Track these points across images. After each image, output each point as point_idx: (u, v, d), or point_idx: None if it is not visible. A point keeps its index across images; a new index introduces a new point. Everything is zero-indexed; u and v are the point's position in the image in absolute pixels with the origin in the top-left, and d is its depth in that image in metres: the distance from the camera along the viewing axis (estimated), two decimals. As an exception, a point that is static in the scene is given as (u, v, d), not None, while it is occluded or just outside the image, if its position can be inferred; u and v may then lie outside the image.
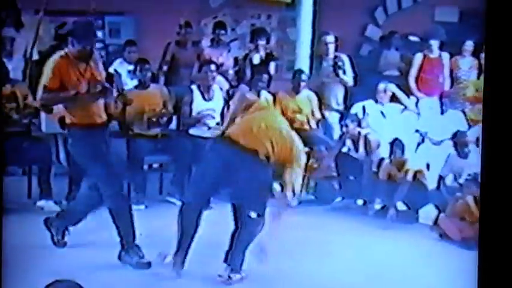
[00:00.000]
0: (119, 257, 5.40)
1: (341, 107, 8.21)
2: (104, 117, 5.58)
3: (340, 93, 8.22)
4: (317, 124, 7.92)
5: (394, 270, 5.42)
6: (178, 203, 6.65)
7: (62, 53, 5.39)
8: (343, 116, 7.91)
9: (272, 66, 8.07)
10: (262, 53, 8.12)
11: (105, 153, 5.44)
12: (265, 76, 7.71)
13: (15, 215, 6.25)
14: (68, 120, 5.36)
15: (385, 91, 7.82)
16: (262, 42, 8.14)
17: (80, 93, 5.27)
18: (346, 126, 7.48)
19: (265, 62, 8.08)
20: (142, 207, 6.87)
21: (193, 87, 7.43)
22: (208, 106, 7.35)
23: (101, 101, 5.53)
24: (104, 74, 5.54)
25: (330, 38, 8.12)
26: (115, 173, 5.41)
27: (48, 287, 2.95)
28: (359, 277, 5.29)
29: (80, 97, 5.28)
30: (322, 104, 8.03)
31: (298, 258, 5.63)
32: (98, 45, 8.68)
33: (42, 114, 6.90)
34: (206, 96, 7.39)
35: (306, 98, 7.88)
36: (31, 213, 6.54)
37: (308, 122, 7.83)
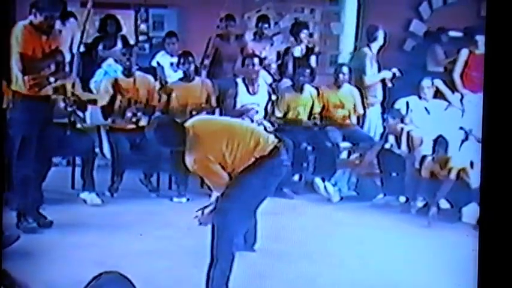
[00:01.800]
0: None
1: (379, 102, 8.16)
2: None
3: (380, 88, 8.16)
4: (359, 119, 7.88)
5: (435, 268, 5.36)
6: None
7: (24, 22, 5.59)
8: (385, 111, 7.85)
9: (313, 59, 8.03)
10: (303, 46, 8.08)
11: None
12: (307, 70, 7.68)
13: (58, 205, 6.36)
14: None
15: (429, 87, 7.73)
16: (303, 36, 8.10)
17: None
18: (388, 122, 7.42)
19: (306, 56, 8.05)
20: (184, 200, 6.89)
21: (239, 80, 7.42)
22: (253, 100, 7.34)
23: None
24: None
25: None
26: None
27: (95, 278, 2.96)
28: (399, 274, 5.24)
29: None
30: (365, 99, 7.97)
31: (338, 254, 5.60)
32: (142, 37, 8.80)
33: (89, 107, 6.96)
34: (251, 90, 7.38)
35: (349, 92, 7.83)
36: (73, 204, 6.60)
37: (350, 117, 7.79)
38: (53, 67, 5.82)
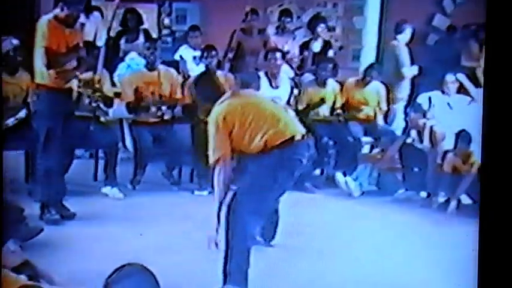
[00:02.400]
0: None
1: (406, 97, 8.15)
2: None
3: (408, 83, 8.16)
4: (383, 115, 7.88)
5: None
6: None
7: (48, 16, 5.60)
8: (408, 106, 7.83)
9: (330, 53, 8.02)
10: (320, 40, 8.08)
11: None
12: (330, 65, 7.67)
13: (81, 197, 6.41)
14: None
15: (453, 82, 7.69)
16: (320, 30, 8.10)
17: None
18: (410, 116, 7.40)
19: (324, 50, 8.05)
20: (205, 193, 6.91)
21: (261, 74, 7.44)
22: (275, 94, 7.32)
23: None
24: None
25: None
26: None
27: (117, 270, 2.98)
28: (418, 270, 5.23)
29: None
30: (390, 94, 7.97)
31: (359, 248, 5.59)
32: (165, 31, 8.84)
33: (115, 101, 7.00)
34: (273, 84, 7.39)
35: (374, 90, 7.82)
36: (96, 196, 6.66)
37: (374, 114, 7.79)
38: (74, 62, 5.86)
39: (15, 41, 6.62)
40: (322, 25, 8.20)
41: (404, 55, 8.02)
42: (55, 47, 5.60)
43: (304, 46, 8.21)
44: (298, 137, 4.57)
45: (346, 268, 5.18)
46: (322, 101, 7.52)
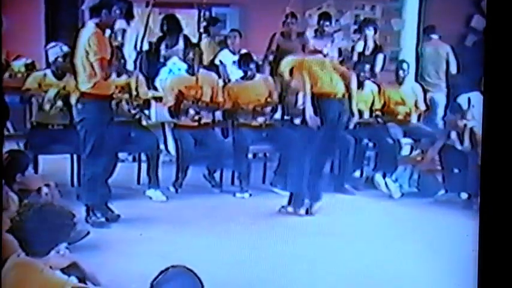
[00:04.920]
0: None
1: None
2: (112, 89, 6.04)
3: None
4: (421, 116, 7.87)
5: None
6: (282, 193, 6.79)
7: (93, 25, 5.70)
8: (447, 107, 7.81)
9: (380, 58, 8.03)
10: (371, 43, 8.09)
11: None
12: (368, 66, 7.69)
13: (125, 200, 6.53)
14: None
15: (491, 83, 7.64)
16: (369, 32, 8.11)
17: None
18: (449, 117, 7.38)
19: (372, 53, 8.06)
20: (246, 195, 6.99)
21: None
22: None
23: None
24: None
25: None
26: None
27: (162, 272, 3.04)
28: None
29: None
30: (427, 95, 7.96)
31: (399, 249, 5.60)
32: (204, 36, 8.93)
33: (153, 103, 7.11)
34: (313, 87, 7.44)
35: (411, 89, 7.83)
36: (139, 199, 6.77)
37: (411, 113, 7.79)
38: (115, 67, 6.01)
39: (65, 48, 6.79)
40: (371, 28, 8.19)
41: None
42: (106, 57, 5.73)
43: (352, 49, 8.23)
44: None
45: (386, 269, 5.21)
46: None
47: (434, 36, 8.69)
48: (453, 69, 8.65)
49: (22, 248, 3.35)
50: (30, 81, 6.90)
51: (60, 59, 6.80)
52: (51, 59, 6.97)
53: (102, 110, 5.90)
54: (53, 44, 7.19)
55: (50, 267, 3.36)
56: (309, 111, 6.23)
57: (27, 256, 3.34)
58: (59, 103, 6.79)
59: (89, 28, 5.75)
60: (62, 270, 3.51)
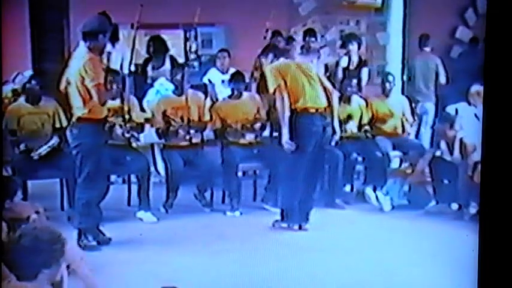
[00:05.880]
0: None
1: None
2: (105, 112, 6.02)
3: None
4: (409, 128, 7.89)
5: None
6: (273, 210, 6.79)
7: (86, 50, 5.70)
8: (435, 117, 7.84)
9: (365, 72, 8.07)
10: (355, 57, 8.12)
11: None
12: (354, 81, 7.73)
13: (115, 222, 6.51)
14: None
15: (479, 93, 7.69)
16: (353, 47, 8.14)
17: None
18: (438, 127, 7.40)
19: (356, 68, 8.09)
20: (237, 213, 6.99)
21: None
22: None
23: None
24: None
25: None
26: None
27: None
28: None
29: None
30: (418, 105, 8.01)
31: (391, 262, 5.61)
32: (192, 56, 8.95)
33: (146, 126, 7.11)
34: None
35: (397, 101, 7.86)
36: (130, 220, 6.75)
37: (399, 126, 7.81)
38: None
39: (28, 73, 6.79)
40: (355, 43, 8.22)
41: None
42: (102, 82, 5.74)
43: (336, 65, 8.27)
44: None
45: (379, 283, 5.21)
46: (349, 117, 7.57)
47: (427, 49, 8.75)
48: (442, 80, 8.70)
49: (13, 273, 3.33)
50: (9, 117, 6.81)
51: (28, 85, 6.83)
52: (19, 88, 7.01)
53: (97, 133, 5.90)
54: (14, 74, 7.24)
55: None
56: (286, 137, 6.24)
57: (18, 281, 3.32)
58: (47, 127, 6.82)
59: (83, 52, 5.74)
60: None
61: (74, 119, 5.91)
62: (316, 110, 6.32)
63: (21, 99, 6.90)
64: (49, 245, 3.38)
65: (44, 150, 6.71)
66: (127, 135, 6.65)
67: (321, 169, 6.62)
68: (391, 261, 5.65)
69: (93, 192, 5.92)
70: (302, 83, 6.30)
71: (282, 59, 6.51)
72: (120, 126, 6.66)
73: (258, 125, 7.30)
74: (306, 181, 6.36)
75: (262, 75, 7.95)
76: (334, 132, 6.58)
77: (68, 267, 3.55)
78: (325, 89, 6.44)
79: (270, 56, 7.11)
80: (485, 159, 3.19)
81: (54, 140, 6.80)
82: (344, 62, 8.11)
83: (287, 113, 6.23)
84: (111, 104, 6.39)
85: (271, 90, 6.32)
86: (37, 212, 5.14)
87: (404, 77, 8.75)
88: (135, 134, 6.90)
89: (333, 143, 6.87)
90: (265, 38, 8.11)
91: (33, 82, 6.86)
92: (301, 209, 6.40)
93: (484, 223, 3.19)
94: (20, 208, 5.05)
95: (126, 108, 6.69)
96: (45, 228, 3.52)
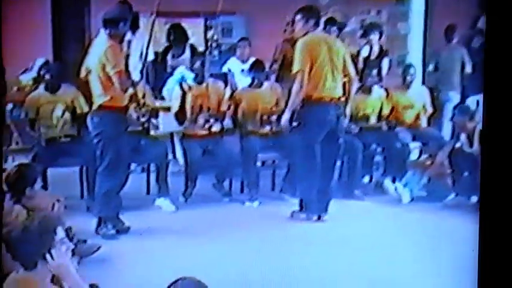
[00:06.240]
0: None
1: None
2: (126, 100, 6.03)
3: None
4: (429, 119, 7.85)
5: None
6: (291, 200, 6.79)
7: (107, 37, 5.72)
8: (455, 108, 7.78)
9: (386, 62, 8.02)
10: (376, 47, 8.07)
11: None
12: (375, 71, 7.69)
13: (134, 210, 6.54)
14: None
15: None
16: (374, 37, 8.09)
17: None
18: (457, 119, 7.35)
19: (377, 58, 8.05)
20: (256, 203, 6.99)
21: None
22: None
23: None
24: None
25: None
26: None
27: (173, 284, 3.02)
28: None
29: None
30: (436, 98, 7.94)
31: (410, 255, 5.59)
32: (212, 44, 8.93)
33: (161, 114, 7.12)
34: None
35: (418, 92, 7.81)
36: (149, 209, 6.78)
37: (420, 117, 7.77)
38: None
39: (39, 61, 6.81)
40: (376, 32, 8.17)
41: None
42: (123, 69, 5.76)
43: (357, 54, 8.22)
44: None
45: (397, 274, 5.20)
46: (366, 116, 7.55)
47: (454, 40, 8.67)
48: (468, 69, 8.59)
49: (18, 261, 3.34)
50: (28, 106, 6.85)
51: (47, 73, 6.84)
52: (38, 77, 7.04)
53: (118, 121, 5.92)
54: (34, 62, 7.29)
55: (52, 280, 3.34)
56: (287, 117, 6.32)
57: (26, 271, 3.33)
58: (67, 115, 6.83)
59: (103, 40, 5.76)
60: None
61: (94, 107, 5.95)
62: (331, 99, 6.29)
63: (41, 88, 6.93)
64: (41, 235, 3.37)
65: (64, 139, 6.76)
66: (142, 119, 6.65)
67: (336, 159, 6.59)
68: (409, 252, 5.63)
69: (114, 181, 5.94)
70: (325, 74, 6.23)
71: (313, 33, 6.32)
72: (135, 110, 6.66)
73: (274, 117, 7.27)
74: (322, 171, 6.35)
75: (282, 65, 7.99)
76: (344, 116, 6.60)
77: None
78: (345, 76, 6.40)
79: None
80: (485, 158, 3.16)
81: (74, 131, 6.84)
82: (365, 52, 8.06)
83: (298, 100, 6.21)
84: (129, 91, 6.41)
85: (295, 69, 6.21)
86: (58, 201, 5.19)
87: (431, 67, 8.66)
88: (153, 122, 6.91)
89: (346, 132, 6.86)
90: (285, 31, 8.07)
91: (52, 70, 6.89)
92: (320, 200, 6.39)
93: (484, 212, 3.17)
94: (39, 197, 5.09)
95: (140, 95, 6.71)
96: (41, 217, 3.50)
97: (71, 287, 3.37)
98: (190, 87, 7.14)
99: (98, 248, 5.32)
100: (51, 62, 6.93)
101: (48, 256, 3.31)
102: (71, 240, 4.71)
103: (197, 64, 7.20)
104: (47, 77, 6.82)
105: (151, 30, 6.59)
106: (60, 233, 3.39)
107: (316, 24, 6.38)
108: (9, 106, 7.37)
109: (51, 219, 3.52)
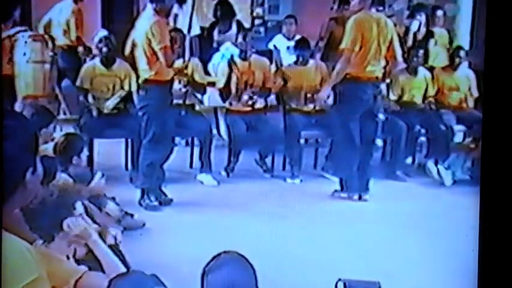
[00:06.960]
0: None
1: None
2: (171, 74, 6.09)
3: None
4: (475, 103, 7.77)
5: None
6: (333, 179, 6.80)
7: (153, 12, 5.71)
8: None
9: (432, 43, 7.95)
10: (423, 28, 8.00)
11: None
12: (421, 51, 7.63)
13: (177, 183, 6.61)
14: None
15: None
16: (421, 18, 8.01)
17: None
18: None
19: (423, 39, 7.98)
20: (297, 180, 7.02)
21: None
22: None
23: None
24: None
25: None
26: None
27: (215, 258, 3.06)
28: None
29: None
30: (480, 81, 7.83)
31: (453, 238, 5.56)
32: (258, 21, 8.95)
33: (208, 89, 7.16)
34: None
35: (464, 75, 7.74)
36: (191, 183, 6.85)
37: (466, 100, 7.71)
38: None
39: (101, 33, 6.85)
40: (423, 13, 8.09)
41: None
42: (169, 44, 5.78)
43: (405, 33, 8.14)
44: None
45: (436, 256, 5.19)
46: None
47: None
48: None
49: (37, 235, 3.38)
50: (83, 76, 6.94)
51: (104, 48, 6.88)
52: (95, 51, 7.09)
53: (163, 95, 5.99)
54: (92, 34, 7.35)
55: (67, 256, 3.37)
56: (326, 92, 6.50)
57: (43, 244, 3.36)
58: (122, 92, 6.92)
59: (149, 15, 5.79)
60: (77, 260, 3.49)
61: (140, 81, 6.01)
62: (369, 78, 6.26)
63: (97, 60, 6.99)
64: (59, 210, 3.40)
65: (112, 102, 6.82)
66: (184, 89, 6.67)
67: (374, 137, 6.57)
68: (450, 234, 5.61)
69: (158, 154, 6.02)
70: (371, 54, 6.16)
71: (366, 12, 6.26)
72: (179, 81, 6.70)
73: (318, 95, 7.24)
74: (361, 149, 6.35)
75: (328, 43, 7.97)
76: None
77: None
78: (390, 57, 6.37)
79: None
80: (485, 156, 3.13)
81: (121, 92, 6.89)
82: (414, 26, 7.98)
83: (339, 78, 6.22)
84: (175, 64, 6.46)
85: (343, 45, 6.17)
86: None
87: None
88: (198, 96, 6.95)
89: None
90: (332, 8, 8.03)
91: (106, 44, 6.93)
92: (360, 178, 6.40)
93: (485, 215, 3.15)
94: (82, 170, 5.19)
95: (189, 70, 6.74)
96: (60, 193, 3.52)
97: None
98: (236, 65, 7.16)
99: (143, 225, 5.42)
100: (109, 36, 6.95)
101: (65, 225, 3.32)
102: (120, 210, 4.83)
103: (243, 40, 7.21)
104: (105, 49, 6.87)
105: (194, 3, 6.62)
106: (80, 208, 3.42)
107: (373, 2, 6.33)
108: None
109: (71, 193, 3.56)
